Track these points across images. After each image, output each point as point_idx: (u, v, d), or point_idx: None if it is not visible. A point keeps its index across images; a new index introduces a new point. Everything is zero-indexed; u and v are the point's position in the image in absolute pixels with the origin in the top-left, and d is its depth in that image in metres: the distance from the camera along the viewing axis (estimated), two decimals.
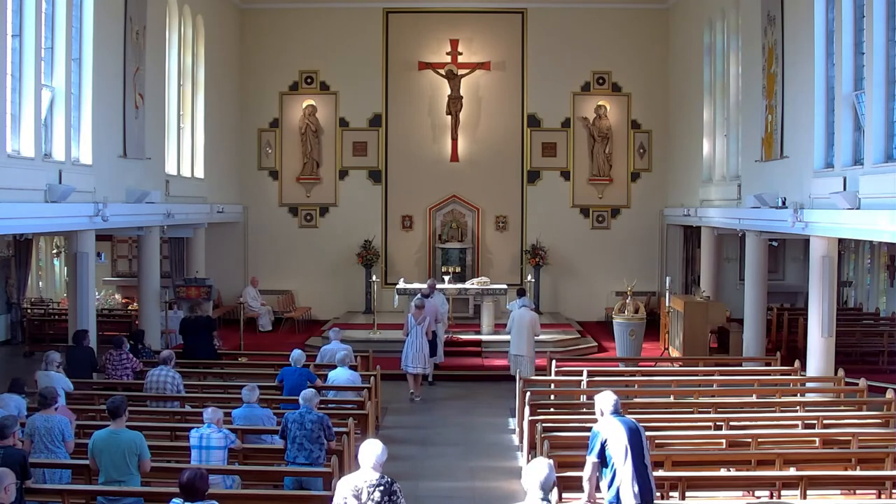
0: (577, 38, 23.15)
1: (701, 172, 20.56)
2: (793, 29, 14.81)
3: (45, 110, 12.89)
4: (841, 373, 12.96)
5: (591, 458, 7.32)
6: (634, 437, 7.25)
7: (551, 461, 5.95)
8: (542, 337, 16.42)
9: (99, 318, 15.87)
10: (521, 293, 16.24)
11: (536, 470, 5.56)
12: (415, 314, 15.12)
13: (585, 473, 7.40)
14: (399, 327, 16.35)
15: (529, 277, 21.84)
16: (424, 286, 17.58)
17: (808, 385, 13.14)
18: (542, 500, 5.49)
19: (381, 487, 5.98)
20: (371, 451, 6.13)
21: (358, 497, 5.97)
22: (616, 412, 7.42)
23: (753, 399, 12.24)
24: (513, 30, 23.35)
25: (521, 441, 11.74)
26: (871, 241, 18.46)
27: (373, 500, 5.95)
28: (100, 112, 14.48)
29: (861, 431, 10.04)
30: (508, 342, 15.72)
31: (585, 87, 23.36)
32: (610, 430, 7.28)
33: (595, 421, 7.68)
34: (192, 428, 8.99)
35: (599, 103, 23.24)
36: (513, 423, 13.24)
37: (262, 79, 23.34)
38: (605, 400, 7.50)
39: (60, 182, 12.62)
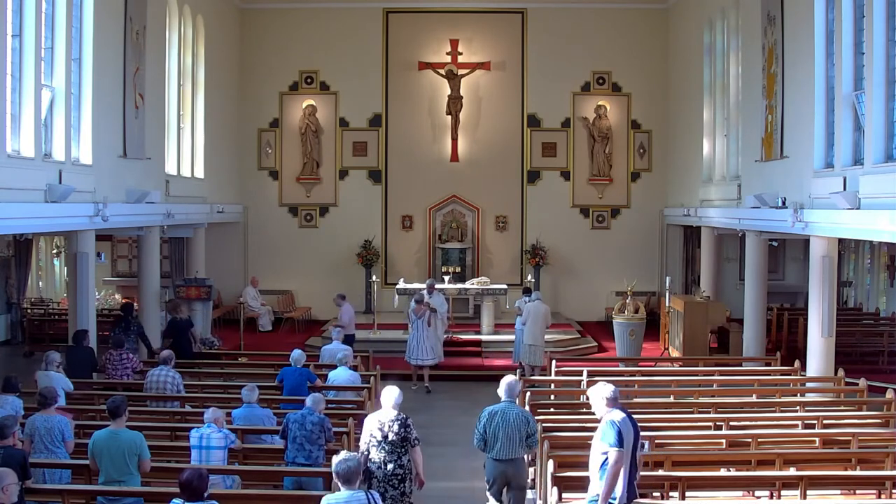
0: (577, 38, 23.14)
1: (701, 172, 20.55)
2: (793, 29, 14.80)
3: (45, 110, 12.86)
4: (841, 373, 12.95)
5: (618, 449, 6.93)
6: (637, 435, 7.20)
7: (518, 379, 8.65)
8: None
9: (99, 318, 15.84)
10: (527, 291, 16.91)
11: (507, 381, 8.29)
12: (416, 310, 15.68)
13: (613, 466, 6.93)
14: (400, 327, 16.49)
15: (529, 277, 21.84)
16: (424, 286, 17.64)
17: (808, 385, 13.13)
18: (510, 401, 8.27)
19: (399, 422, 7.96)
20: (391, 395, 8.09)
21: (381, 429, 7.92)
22: (617, 403, 7.26)
23: (753, 399, 12.24)
24: (513, 30, 23.34)
25: None
26: (871, 241, 18.45)
27: (392, 431, 7.91)
28: (100, 112, 14.47)
29: (861, 431, 10.04)
30: (508, 342, 15.77)
31: (585, 87, 23.36)
32: (622, 423, 7.05)
33: (589, 416, 7.56)
34: (192, 428, 8.99)
35: (599, 103, 23.23)
36: None
37: (262, 79, 23.34)
38: (607, 390, 7.26)
39: (60, 182, 12.59)
